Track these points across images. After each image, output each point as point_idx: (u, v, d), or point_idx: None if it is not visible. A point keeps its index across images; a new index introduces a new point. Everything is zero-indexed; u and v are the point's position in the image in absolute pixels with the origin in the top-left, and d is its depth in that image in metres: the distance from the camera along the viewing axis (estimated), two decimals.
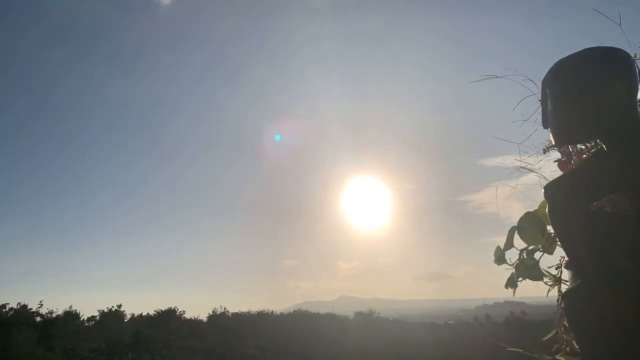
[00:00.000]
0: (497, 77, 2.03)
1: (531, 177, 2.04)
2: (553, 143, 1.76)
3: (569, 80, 1.50)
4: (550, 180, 1.67)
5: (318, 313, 31.23)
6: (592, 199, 1.47)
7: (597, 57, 1.47)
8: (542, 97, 1.63)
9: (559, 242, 1.73)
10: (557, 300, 1.80)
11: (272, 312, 30.49)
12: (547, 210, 1.53)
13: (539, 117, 1.68)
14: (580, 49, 1.51)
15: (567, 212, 1.45)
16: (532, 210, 1.77)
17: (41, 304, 22.39)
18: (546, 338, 1.83)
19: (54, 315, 23.10)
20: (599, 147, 1.52)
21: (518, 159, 2.05)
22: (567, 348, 1.68)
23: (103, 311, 26.26)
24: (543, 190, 1.56)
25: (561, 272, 1.79)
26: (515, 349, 2.01)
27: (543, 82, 1.61)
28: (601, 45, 1.50)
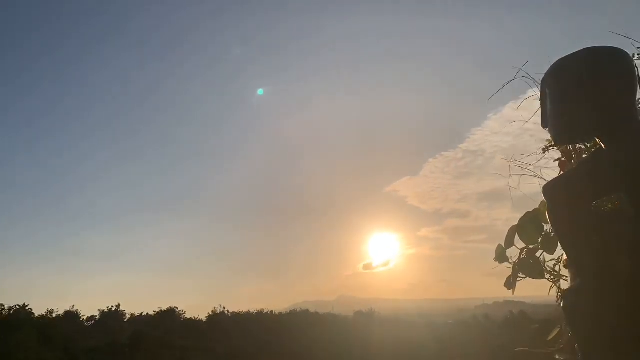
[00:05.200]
0: (509, 82, 2.04)
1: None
2: (552, 143, 1.78)
3: (568, 80, 1.50)
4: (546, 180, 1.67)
5: (318, 312, 31.28)
6: (591, 199, 1.47)
7: (596, 57, 1.48)
8: (541, 96, 1.64)
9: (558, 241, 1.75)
10: (557, 299, 1.81)
11: (271, 311, 30.53)
12: (545, 210, 1.54)
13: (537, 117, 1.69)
14: (578, 49, 1.52)
15: (565, 212, 1.45)
16: (532, 210, 1.78)
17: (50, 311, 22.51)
18: (550, 337, 1.84)
19: (54, 315, 23.14)
20: (598, 146, 1.53)
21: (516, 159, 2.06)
22: (569, 346, 1.69)
23: (103, 311, 26.31)
24: (542, 190, 1.57)
25: (560, 269, 1.80)
26: (521, 349, 2.02)
27: (542, 81, 1.62)
28: (600, 45, 1.51)
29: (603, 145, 1.45)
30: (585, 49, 1.50)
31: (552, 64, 1.56)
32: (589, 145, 1.78)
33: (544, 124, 1.61)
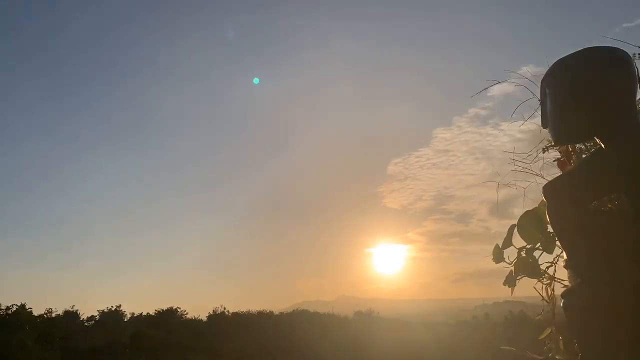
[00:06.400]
0: (498, 82, 2.02)
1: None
2: (552, 143, 1.77)
3: (568, 80, 1.50)
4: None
5: (318, 312, 31.30)
6: (591, 199, 1.47)
7: (597, 57, 1.48)
8: (541, 96, 1.64)
9: (557, 241, 1.74)
10: (549, 299, 1.81)
11: (271, 311, 30.56)
12: (546, 209, 1.53)
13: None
14: (579, 49, 1.51)
15: (565, 212, 1.44)
16: (531, 209, 1.78)
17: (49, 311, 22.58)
18: (542, 337, 1.84)
19: (53, 315, 23.15)
20: (597, 146, 1.53)
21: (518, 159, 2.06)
22: (560, 347, 1.69)
23: (103, 311, 26.32)
24: (542, 189, 1.56)
25: (555, 270, 1.80)
26: (507, 347, 2.02)
27: (542, 81, 1.61)
28: (600, 45, 1.50)
29: (603, 146, 1.44)
30: (585, 48, 1.49)
31: (553, 63, 1.55)
32: (588, 145, 1.77)
33: (544, 124, 1.61)
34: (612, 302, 1.30)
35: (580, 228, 1.41)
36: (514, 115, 2.00)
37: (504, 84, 2.01)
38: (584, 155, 1.77)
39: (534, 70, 1.89)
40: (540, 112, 1.63)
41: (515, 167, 2.03)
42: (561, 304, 1.47)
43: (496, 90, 2.05)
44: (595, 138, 1.51)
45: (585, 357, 1.38)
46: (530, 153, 2.02)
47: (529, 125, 2.01)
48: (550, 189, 1.51)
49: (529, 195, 1.93)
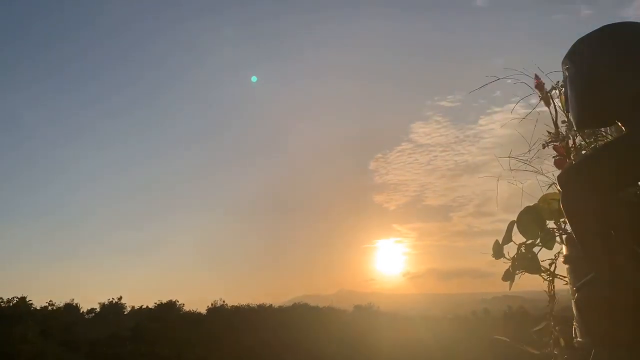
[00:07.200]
0: (498, 78, 2.00)
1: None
2: (552, 139, 1.76)
3: (584, 61, 1.42)
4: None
5: (317, 307, 31.37)
6: (612, 189, 1.37)
7: (614, 35, 1.40)
8: (563, 79, 1.56)
9: (557, 237, 1.74)
10: (549, 294, 1.81)
11: (271, 305, 30.61)
12: (560, 200, 1.44)
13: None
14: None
15: (582, 203, 1.34)
16: (531, 205, 1.78)
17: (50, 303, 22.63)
18: (536, 329, 1.83)
19: (54, 307, 23.21)
20: (599, 136, 1.50)
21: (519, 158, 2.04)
22: (561, 342, 1.69)
23: (103, 304, 26.39)
24: (557, 178, 1.47)
25: (556, 266, 1.79)
26: (500, 337, 2.02)
27: (562, 63, 1.54)
28: (620, 22, 1.43)
29: (625, 130, 1.35)
30: (604, 26, 1.41)
31: (573, 43, 1.46)
32: (588, 141, 1.76)
33: (567, 108, 1.54)
34: (628, 298, 1.25)
35: (598, 221, 1.31)
36: (496, 109, 1.97)
37: (479, 76, 1.98)
38: (583, 152, 1.75)
39: (507, 62, 1.86)
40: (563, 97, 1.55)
41: (511, 163, 2.01)
42: (572, 300, 1.43)
43: (474, 84, 2.03)
44: (617, 122, 1.41)
45: (598, 351, 1.32)
46: (529, 151, 2.01)
47: (513, 120, 1.98)
48: (566, 177, 1.42)
49: (519, 190, 1.91)
